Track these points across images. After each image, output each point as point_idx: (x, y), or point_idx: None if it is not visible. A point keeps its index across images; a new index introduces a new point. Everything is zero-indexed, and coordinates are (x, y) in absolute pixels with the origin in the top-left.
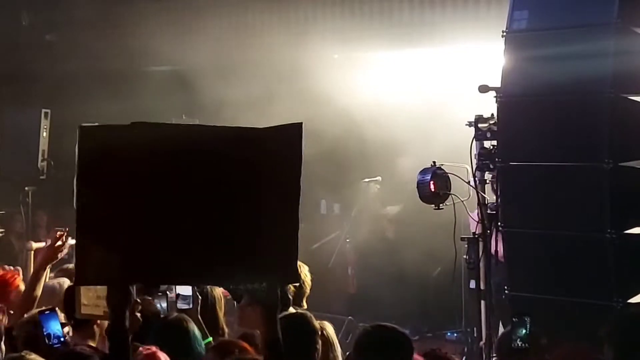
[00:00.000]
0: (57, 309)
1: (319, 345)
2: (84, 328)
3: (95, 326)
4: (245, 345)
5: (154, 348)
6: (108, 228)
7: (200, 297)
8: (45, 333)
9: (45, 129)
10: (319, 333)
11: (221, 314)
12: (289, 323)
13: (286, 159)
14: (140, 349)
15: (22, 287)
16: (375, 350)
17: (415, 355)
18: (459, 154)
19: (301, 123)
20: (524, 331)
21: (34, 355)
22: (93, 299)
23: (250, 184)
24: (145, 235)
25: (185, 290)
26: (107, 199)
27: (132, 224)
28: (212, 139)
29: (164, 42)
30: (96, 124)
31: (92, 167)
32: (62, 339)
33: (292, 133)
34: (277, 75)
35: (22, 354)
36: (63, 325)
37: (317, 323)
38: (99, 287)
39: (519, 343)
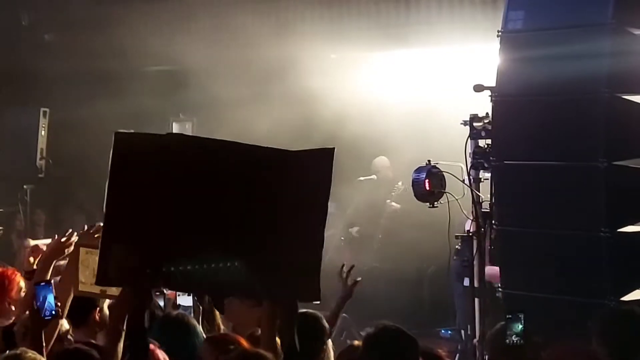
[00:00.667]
0: (52, 281)
1: (327, 346)
2: (85, 326)
3: (95, 324)
4: (240, 338)
5: (152, 346)
6: (135, 232)
7: (200, 307)
8: (38, 304)
9: (44, 127)
10: (328, 333)
11: (218, 315)
12: (301, 321)
13: (316, 181)
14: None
15: (23, 284)
16: (383, 352)
17: None
18: (454, 153)
19: (333, 148)
20: (519, 327)
21: (30, 353)
22: (90, 277)
23: (280, 203)
24: (171, 243)
25: (186, 300)
26: (136, 204)
27: (159, 230)
28: (246, 156)
29: (161, 42)
30: (132, 131)
31: (124, 172)
32: (54, 312)
33: (323, 157)
34: (275, 75)
35: (19, 351)
36: (56, 299)
37: (325, 322)
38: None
39: (514, 339)
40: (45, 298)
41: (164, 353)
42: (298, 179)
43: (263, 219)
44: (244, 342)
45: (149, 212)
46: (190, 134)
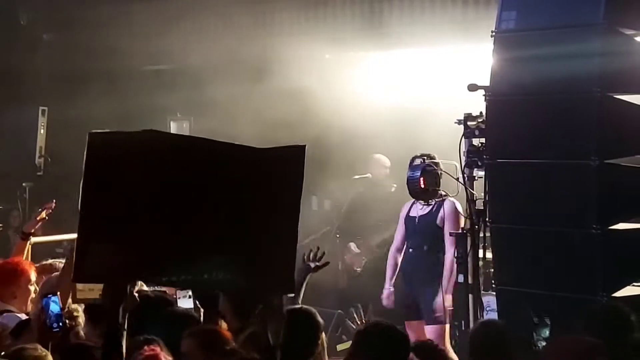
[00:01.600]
0: (58, 293)
1: (321, 341)
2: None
3: None
4: (224, 332)
5: (157, 349)
6: (111, 230)
7: (202, 309)
8: (47, 316)
9: (43, 126)
10: (322, 328)
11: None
12: (296, 317)
13: (288, 178)
14: (145, 347)
15: (34, 277)
16: (374, 348)
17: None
18: (448, 152)
19: (304, 145)
20: (546, 332)
21: (32, 346)
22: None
23: (252, 198)
24: (146, 239)
25: (187, 303)
26: (111, 202)
27: (134, 227)
28: (219, 153)
29: (159, 41)
30: (106, 130)
31: (99, 170)
32: (61, 324)
33: (295, 154)
34: (271, 75)
35: (20, 347)
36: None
37: (319, 318)
38: None
39: (540, 344)
40: (52, 310)
41: (167, 356)
42: (270, 175)
43: (236, 215)
44: (228, 335)
45: (124, 209)
46: (167, 131)
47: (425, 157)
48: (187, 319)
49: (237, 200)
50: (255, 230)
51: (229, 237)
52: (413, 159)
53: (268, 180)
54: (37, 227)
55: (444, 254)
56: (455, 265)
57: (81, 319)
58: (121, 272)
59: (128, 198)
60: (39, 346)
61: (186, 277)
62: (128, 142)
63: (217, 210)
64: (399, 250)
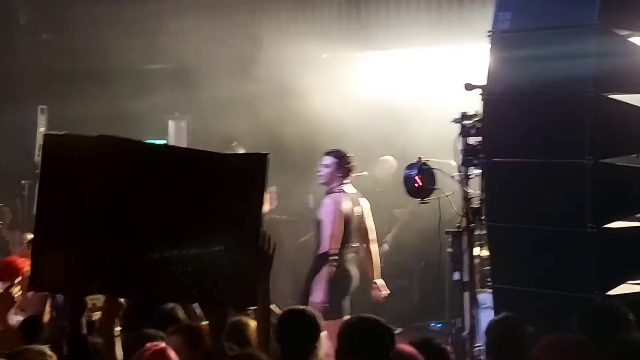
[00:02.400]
0: None
1: (318, 343)
2: None
3: None
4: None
5: (162, 344)
6: (66, 236)
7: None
8: (58, 316)
9: (42, 124)
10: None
11: None
12: (294, 318)
13: (247, 188)
14: (149, 344)
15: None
16: (357, 342)
17: (406, 346)
18: (444, 150)
19: (267, 154)
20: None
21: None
22: None
23: (208, 206)
24: (105, 247)
25: None
26: (67, 207)
27: (91, 234)
28: (177, 160)
29: (158, 41)
30: (63, 132)
31: (55, 174)
32: None
33: (256, 162)
34: (267, 74)
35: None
36: None
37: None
38: None
39: None
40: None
41: (174, 353)
42: (231, 182)
43: (196, 222)
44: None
45: (79, 215)
46: (123, 137)
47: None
48: (169, 316)
49: (192, 208)
50: (210, 240)
51: (188, 245)
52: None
53: (224, 188)
54: None
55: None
56: (319, 263)
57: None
58: (75, 282)
59: (81, 204)
60: (44, 348)
61: (143, 285)
62: (84, 146)
63: (176, 216)
64: None
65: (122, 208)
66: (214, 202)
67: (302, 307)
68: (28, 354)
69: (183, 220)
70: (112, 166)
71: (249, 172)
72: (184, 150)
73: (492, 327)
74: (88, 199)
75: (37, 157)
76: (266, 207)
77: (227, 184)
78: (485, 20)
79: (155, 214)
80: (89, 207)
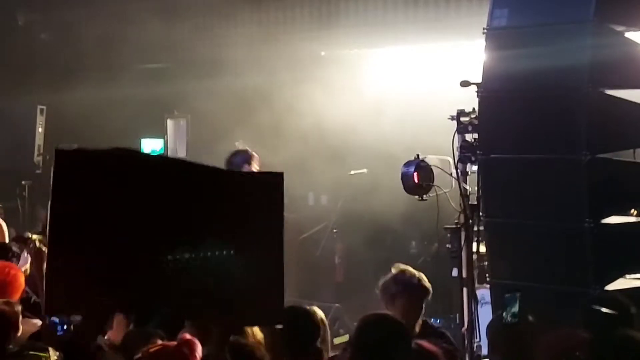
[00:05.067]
0: None
1: (319, 343)
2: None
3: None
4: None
5: (188, 335)
6: (83, 256)
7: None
8: (50, 321)
9: (41, 124)
10: (322, 329)
11: None
12: (296, 315)
13: (266, 207)
14: (180, 335)
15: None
16: (376, 340)
17: (427, 344)
18: (442, 147)
19: (282, 173)
20: (517, 306)
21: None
22: None
23: (227, 227)
24: (122, 264)
25: None
26: (82, 225)
27: (108, 252)
28: (193, 176)
29: (157, 39)
30: (75, 146)
31: (68, 191)
32: (65, 327)
33: (272, 182)
34: (267, 72)
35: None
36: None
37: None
38: None
39: (510, 319)
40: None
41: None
42: (249, 203)
43: (217, 239)
44: None
45: (96, 233)
46: (139, 150)
47: None
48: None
49: (213, 226)
50: (237, 256)
51: (209, 262)
52: None
53: (247, 208)
54: None
55: None
56: None
57: None
58: (100, 302)
59: (100, 220)
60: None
61: (165, 302)
62: (97, 161)
63: (191, 234)
64: None
65: (139, 223)
66: (235, 221)
67: (299, 305)
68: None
69: (203, 238)
70: (128, 181)
71: (266, 192)
72: (202, 167)
73: (491, 323)
74: (105, 216)
75: (37, 157)
76: None
77: (247, 204)
78: (481, 17)
79: (173, 229)
80: (107, 224)
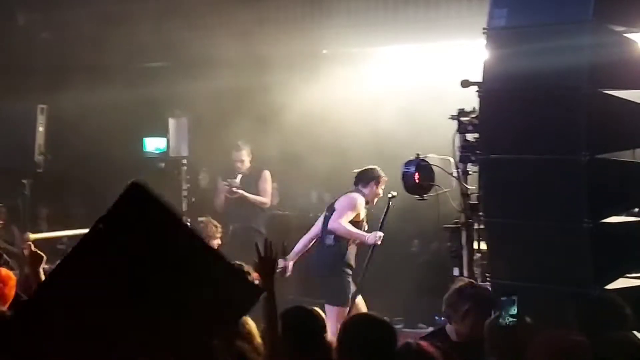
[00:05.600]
0: None
1: (323, 345)
2: None
3: None
4: None
5: None
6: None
7: None
8: None
9: (42, 124)
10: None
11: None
12: (298, 315)
13: (232, 307)
14: None
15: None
16: (359, 339)
17: (426, 345)
18: (443, 147)
19: (264, 290)
20: (514, 309)
21: None
22: None
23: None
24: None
25: None
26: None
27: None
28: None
29: (158, 38)
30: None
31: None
32: None
33: (249, 296)
34: (267, 70)
35: None
36: None
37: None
38: None
39: (507, 321)
40: None
41: None
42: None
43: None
44: None
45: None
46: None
47: None
48: None
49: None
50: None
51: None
52: None
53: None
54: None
55: None
56: None
57: None
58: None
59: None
60: None
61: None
62: None
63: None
64: None
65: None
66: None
67: (298, 306)
68: None
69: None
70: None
71: (238, 297)
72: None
73: (489, 323)
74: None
75: (38, 156)
76: (269, 203)
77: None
78: (481, 17)
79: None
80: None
